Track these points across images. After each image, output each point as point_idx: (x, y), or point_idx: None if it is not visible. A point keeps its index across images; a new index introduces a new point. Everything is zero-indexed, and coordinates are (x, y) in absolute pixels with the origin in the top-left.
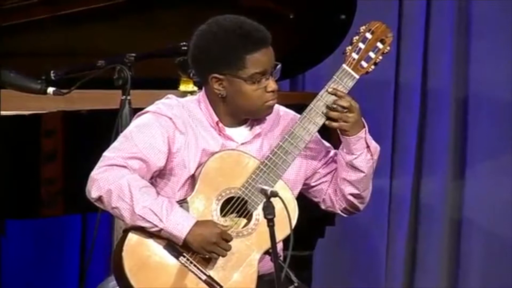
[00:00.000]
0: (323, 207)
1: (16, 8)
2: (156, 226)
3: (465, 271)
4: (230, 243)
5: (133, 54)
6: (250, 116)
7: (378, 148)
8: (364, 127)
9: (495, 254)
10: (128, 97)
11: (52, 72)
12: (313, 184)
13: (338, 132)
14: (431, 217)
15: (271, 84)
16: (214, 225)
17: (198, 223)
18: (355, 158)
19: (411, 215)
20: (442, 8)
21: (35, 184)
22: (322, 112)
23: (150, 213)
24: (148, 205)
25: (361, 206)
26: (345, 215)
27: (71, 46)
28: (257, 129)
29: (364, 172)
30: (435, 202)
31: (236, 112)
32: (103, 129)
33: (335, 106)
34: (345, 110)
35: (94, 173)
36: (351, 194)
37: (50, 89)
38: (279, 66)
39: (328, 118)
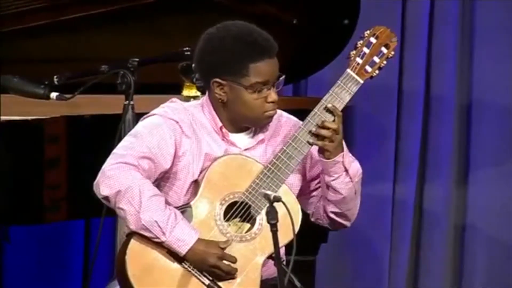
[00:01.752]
0: (312, 219)
1: (19, 13)
2: (158, 238)
3: (469, 277)
4: (234, 247)
5: (136, 59)
6: (249, 124)
7: (360, 171)
8: (343, 151)
9: (499, 259)
10: (131, 102)
11: (55, 77)
12: (306, 193)
13: (317, 153)
14: (434, 223)
15: (272, 95)
16: (215, 247)
17: (199, 242)
18: (333, 180)
19: (414, 221)
20: (445, 15)
21: (38, 190)
22: (326, 117)
23: (155, 225)
24: (155, 218)
25: (346, 223)
26: (333, 230)
27: (74, 51)
28: (260, 135)
29: (342, 195)
30: (438, 208)
31: (235, 119)
32: (106, 134)
33: (325, 125)
34: (332, 133)
35: (106, 169)
36: (333, 212)
37: (53, 94)
38: (282, 77)
39: (317, 135)
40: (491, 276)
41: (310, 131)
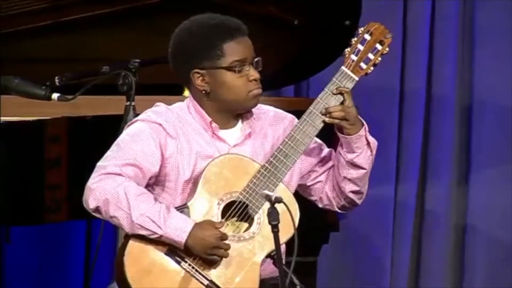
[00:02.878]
0: (320, 205)
1: (20, 14)
2: (156, 233)
3: (469, 277)
4: (232, 247)
5: (138, 60)
6: (237, 109)
7: (376, 142)
8: (364, 125)
9: (499, 259)
10: (133, 103)
11: (56, 78)
12: (309, 183)
13: (337, 132)
14: (435, 223)
15: (253, 73)
16: (212, 227)
17: (196, 226)
18: (357, 156)
19: (415, 221)
20: (446, 16)
21: (39, 190)
22: (322, 115)
23: (148, 220)
24: (146, 213)
25: (359, 202)
26: (342, 212)
27: (76, 52)
28: (247, 129)
29: (365, 169)
30: (439, 208)
31: (222, 107)
32: (107, 135)
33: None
34: (343, 112)
35: (90, 183)
36: (352, 192)
37: (55, 95)
38: (258, 58)
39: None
40: (492, 276)
41: (305, 130)
